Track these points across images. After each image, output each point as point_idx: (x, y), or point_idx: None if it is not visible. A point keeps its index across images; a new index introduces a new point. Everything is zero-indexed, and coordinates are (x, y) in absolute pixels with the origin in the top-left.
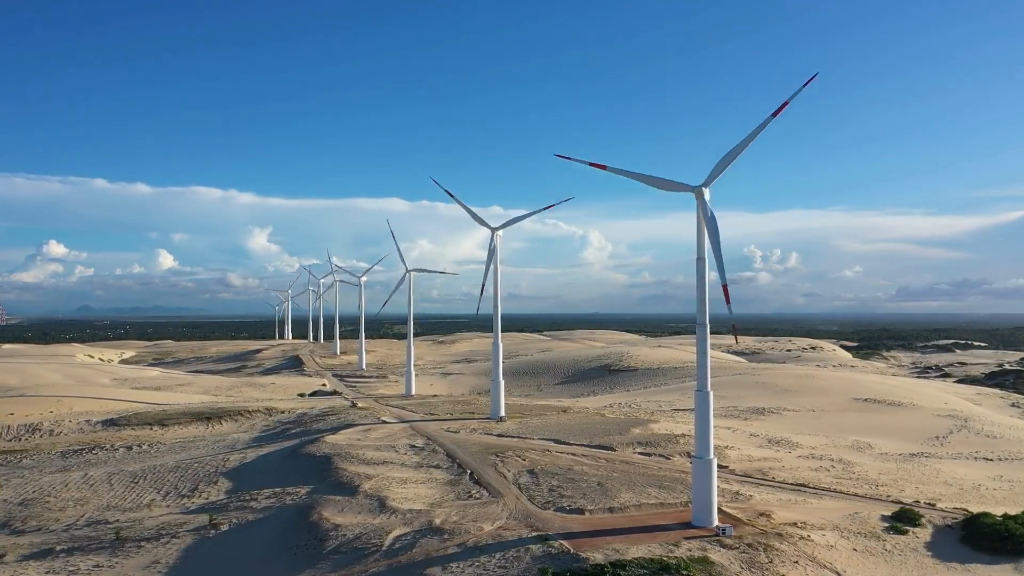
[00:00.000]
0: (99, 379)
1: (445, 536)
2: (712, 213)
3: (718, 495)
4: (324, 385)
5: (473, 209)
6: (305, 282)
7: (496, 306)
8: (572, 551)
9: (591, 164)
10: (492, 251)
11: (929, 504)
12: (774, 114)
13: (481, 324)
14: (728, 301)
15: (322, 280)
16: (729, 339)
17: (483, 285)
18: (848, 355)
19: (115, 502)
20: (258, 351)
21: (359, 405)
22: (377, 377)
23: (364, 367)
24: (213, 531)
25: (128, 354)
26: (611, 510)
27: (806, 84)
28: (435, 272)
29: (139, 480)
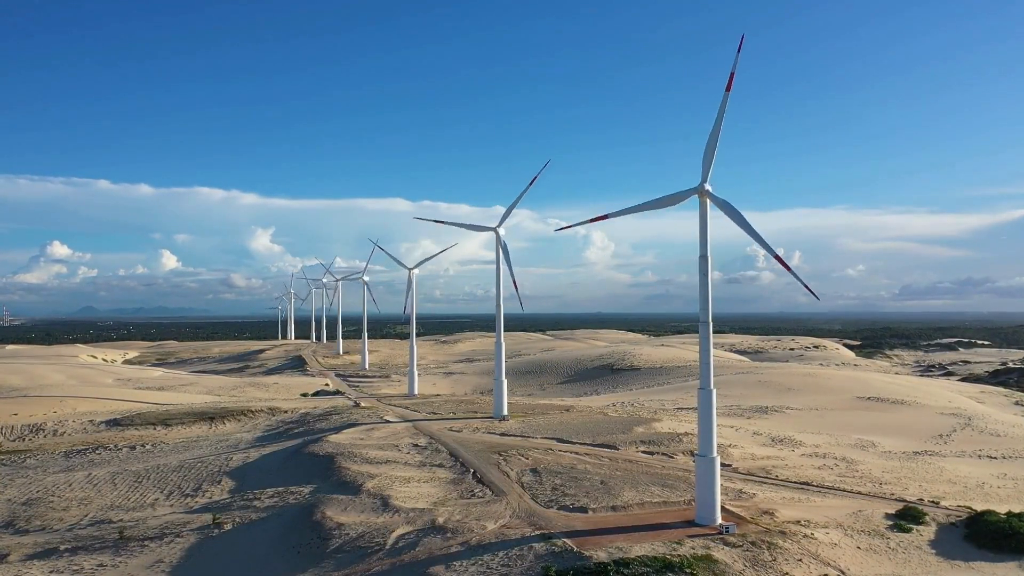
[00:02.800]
0: (102, 379)
1: (448, 535)
2: (726, 201)
3: (721, 493)
4: (327, 385)
5: (471, 221)
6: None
7: (499, 306)
8: (575, 549)
9: (591, 221)
10: (504, 248)
11: (933, 502)
12: (727, 88)
13: (484, 324)
14: (787, 266)
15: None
16: (731, 339)
17: (514, 281)
18: (851, 354)
19: (119, 502)
20: (261, 351)
21: (362, 405)
22: (380, 377)
23: (367, 367)
24: (217, 530)
25: (131, 354)
26: (614, 508)
27: (739, 49)
28: (393, 259)
29: (143, 480)
